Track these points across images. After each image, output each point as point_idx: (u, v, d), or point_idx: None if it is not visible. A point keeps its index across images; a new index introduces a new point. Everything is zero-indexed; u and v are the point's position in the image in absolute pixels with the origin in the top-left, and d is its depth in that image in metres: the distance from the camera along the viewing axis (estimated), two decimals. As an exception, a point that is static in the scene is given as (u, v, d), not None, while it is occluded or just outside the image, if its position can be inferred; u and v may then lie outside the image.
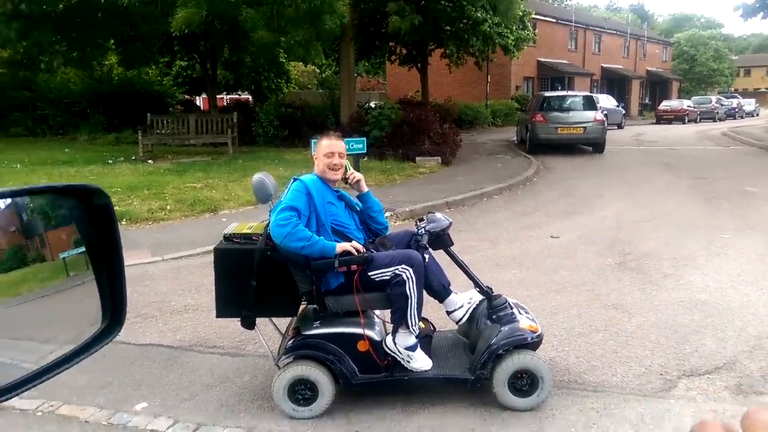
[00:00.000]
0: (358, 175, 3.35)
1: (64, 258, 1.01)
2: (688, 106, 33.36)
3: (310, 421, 3.04)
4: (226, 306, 3.15)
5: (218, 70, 21.24)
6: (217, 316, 3.20)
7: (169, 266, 5.95)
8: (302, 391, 3.06)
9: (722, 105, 36.87)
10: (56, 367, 0.93)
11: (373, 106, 16.48)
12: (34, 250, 0.97)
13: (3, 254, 0.90)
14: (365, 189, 3.39)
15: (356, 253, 3.03)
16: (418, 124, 13.38)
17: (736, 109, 38.34)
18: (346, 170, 3.30)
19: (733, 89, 54.92)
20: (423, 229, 3.23)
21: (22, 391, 0.85)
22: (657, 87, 46.34)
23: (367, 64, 28.27)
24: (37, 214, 1.03)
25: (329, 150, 3.25)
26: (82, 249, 1.03)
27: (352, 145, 7.91)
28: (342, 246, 3.03)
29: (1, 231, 0.92)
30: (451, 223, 3.28)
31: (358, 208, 3.40)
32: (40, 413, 3.15)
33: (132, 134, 16.12)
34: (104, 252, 1.03)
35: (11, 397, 0.83)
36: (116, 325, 1.03)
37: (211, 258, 3.17)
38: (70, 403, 3.23)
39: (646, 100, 44.33)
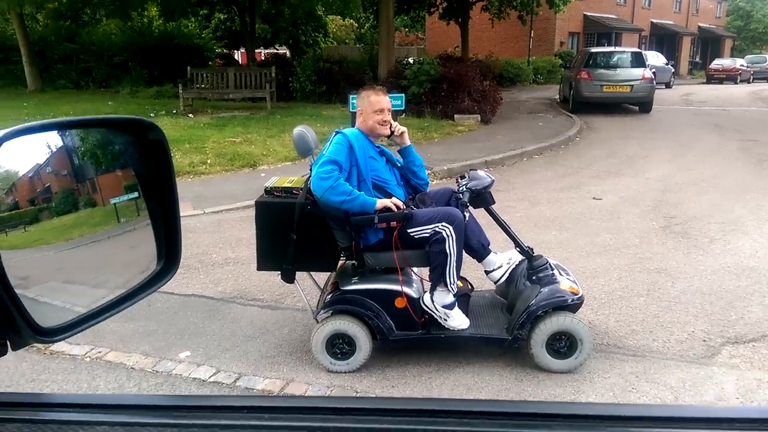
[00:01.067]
0: (402, 128, 3.29)
1: (115, 204, 1.00)
2: (741, 65, 31.83)
3: (348, 375, 3.09)
4: (266, 259, 3.18)
5: (257, 24, 21.10)
6: (258, 269, 3.23)
7: (210, 219, 6.05)
8: (340, 345, 3.10)
9: (778, 64, 35.01)
10: (115, 306, 0.93)
11: (411, 61, 16.17)
12: (85, 195, 0.96)
13: (55, 198, 0.90)
14: (408, 142, 3.33)
15: (396, 210, 3.01)
16: (457, 81, 13.06)
17: (793, 69, 36.36)
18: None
19: (791, 47, 51.99)
20: (464, 187, 3.18)
21: (91, 325, 0.86)
22: (709, 45, 44.18)
23: (406, 18, 27.65)
24: (89, 158, 1.02)
25: (379, 106, 3.19)
26: (134, 195, 1.02)
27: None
28: (382, 202, 3.00)
29: (53, 174, 0.91)
30: (493, 180, 3.21)
31: (399, 164, 3.36)
32: (88, 359, 3.28)
33: (172, 88, 16.24)
34: (158, 190, 1.01)
35: (76, 333, 0.83)
36: (172, 267, 1.03)
37: (250, 213, 3.20)
38: (117, 350, 3.35)
39: (697, 59, 42.40)
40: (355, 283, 3.15)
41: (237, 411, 0.76)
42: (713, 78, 31.06)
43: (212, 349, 3.39)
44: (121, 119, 1.01)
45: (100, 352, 3.34)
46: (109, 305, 0.92)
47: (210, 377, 3.08)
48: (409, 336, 3.13)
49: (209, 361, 3.25)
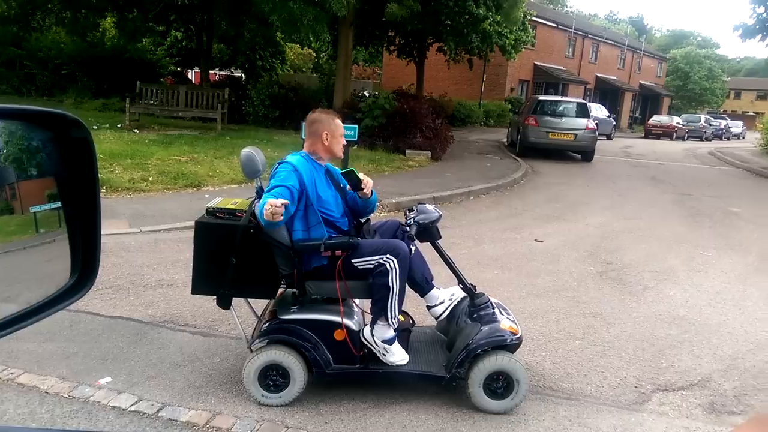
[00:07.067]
0: (371, 182, 3.14)
1: (35, 212, 0.91)
2: (678, 123, 33.68)
3: (279, 409, 2.97)
4: (202, 282, 3.06)
5: (214, 44, 20.92)
6: (193, 292, 3.10)
7: (147, 239, 5.82)
8: (273, 377, 2.99)
9: (710, 125, 37.27)
10: (16, 321, 0.83)
11: (367, 94, 16.32)
12: (2, 201, 0.87)
13: None
14: (370, 195, 3.16)
15: (274, 207, 2.64)
16: (410, 117, 13.26)
17: (724, 130, 38.79)
18: (358, 177, 3.04)
19: (722, 110, 55.53)
20: (412, 220, 3.15)
21: None
22: (648, 101, 46.66)
23: (364, 52, 28.04)
24: (11, 162, 0.93)
25: (343, 131, 3.30)
26: (57, 204, 0.93)
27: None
28: (268, 204, 2.65)
29: None
30: (440, 215, 3.21)
31: (342, 184, 3.26)
32: (-2, 379, 3.04)
33: (120, 102, 15.79)
34: (79, 194, 0.91)
35: None
36: (87, 281, 0.94)
37: (190, 234, 3.07)
38: (31, 372, 3.12)
39: (637, 114, 44.65)
40: (294, 313, 3.06)
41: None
42: (651, 133, 32.68)
43: (136, 375, 3.20)
44: (41, 111, 0.91)
45: (12, 373, 3.10)
46: (7, 321, 0.82)
47: (131, 406, 2.90)
48: (347, 370, 3.05)
49: (131, 388, 3.06)
